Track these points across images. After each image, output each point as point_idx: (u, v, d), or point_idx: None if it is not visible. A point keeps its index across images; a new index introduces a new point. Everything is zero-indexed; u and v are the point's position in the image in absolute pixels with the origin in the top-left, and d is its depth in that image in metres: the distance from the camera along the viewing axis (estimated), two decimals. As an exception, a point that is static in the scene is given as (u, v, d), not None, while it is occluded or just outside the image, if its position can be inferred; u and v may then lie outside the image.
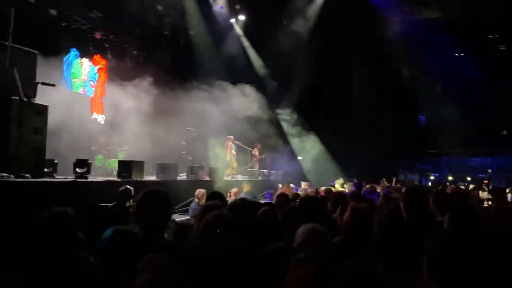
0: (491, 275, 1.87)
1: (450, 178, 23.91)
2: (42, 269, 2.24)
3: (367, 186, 8.91)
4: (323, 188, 9.24)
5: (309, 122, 18.32)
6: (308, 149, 18.16)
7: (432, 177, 25.54)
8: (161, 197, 2.63)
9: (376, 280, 1.74)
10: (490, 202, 9.18)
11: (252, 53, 17.84)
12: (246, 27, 17.68)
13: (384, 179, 10.49)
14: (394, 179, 11.36)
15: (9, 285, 2.01)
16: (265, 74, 18.06)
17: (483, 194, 11.27)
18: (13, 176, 5.76)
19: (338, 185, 10.46)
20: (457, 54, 20.09)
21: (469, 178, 23.18)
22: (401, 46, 18.19)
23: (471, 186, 15.89)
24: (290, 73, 18.82)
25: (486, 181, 18.07)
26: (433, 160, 25.21)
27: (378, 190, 8.11)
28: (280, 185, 14.06)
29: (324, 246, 2.29)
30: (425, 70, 19.49)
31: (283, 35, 17.26)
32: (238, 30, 17.68)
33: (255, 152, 15.34)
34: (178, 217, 6.92)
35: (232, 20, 17.48)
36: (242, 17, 17.58)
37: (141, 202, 2.62)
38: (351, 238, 2.76)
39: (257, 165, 15.49)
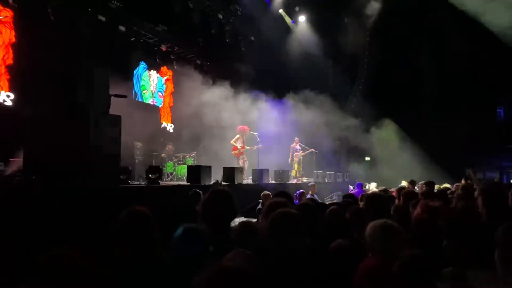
0: None
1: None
2: (123, 266, 2.32)
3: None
4: (393, 189, 8.90)
5: (378, 119, 17.84)
6: (378, 149, 17.65)
7: (515, 175, 23.54)
8: (224, 196, 2.69)
9: (431, 269, 1.68)
10: None
11: (315, 53, 17.65)
12: (307, 28, 17.60)
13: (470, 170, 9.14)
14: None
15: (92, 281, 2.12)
16: (330, 72, 17.93)
17: None
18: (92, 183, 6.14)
19: (406, 185, 10.08)
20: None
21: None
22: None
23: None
24: (355, 72, 18.52)
25: None
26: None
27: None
28: (351, 187, 13.77)
29: (398, 239, 2.23)
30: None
31: (345, 33, 17.04)
32: (299, 31, 17.64)
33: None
34: (243, 219, 7.00)
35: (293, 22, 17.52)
36: (302, 18, 17.53)
37: (206, 202, 2.70)
38: (420, 235, 2.65)
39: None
